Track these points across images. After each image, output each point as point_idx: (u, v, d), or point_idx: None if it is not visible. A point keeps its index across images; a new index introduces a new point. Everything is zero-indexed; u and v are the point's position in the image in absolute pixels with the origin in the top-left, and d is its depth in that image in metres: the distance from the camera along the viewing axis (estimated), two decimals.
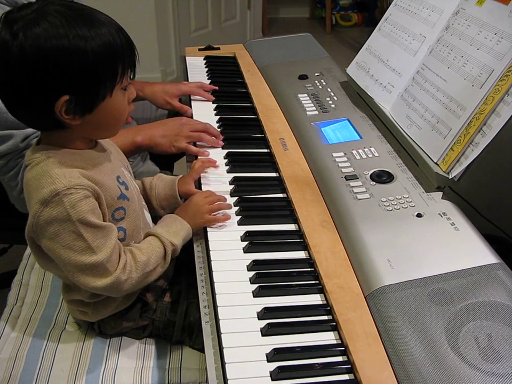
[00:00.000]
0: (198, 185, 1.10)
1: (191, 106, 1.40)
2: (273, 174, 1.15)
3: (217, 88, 1.47)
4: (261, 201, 1.07)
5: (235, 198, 1.05)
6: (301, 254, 0.93)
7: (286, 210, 1.02)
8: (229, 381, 0.71)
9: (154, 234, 0.92)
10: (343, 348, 0.76)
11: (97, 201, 0.83)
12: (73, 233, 0.79)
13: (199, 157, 1.17)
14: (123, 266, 0.84)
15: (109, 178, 0.87)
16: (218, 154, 1.20)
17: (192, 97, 1.44)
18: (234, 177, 1.12)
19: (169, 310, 0.98)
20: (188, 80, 1.56)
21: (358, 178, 1.03)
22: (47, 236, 0.80)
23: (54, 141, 0.83)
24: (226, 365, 0.73)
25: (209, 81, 1.55)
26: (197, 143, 1.22)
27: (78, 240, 0.80)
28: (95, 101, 0.80)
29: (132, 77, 0.84)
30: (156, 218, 1.06)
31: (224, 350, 0.75)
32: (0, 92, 0.78)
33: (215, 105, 1.41)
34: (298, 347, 0.76)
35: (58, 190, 0.78)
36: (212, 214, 0.98)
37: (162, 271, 0.92)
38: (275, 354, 0.74)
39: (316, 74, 1.47)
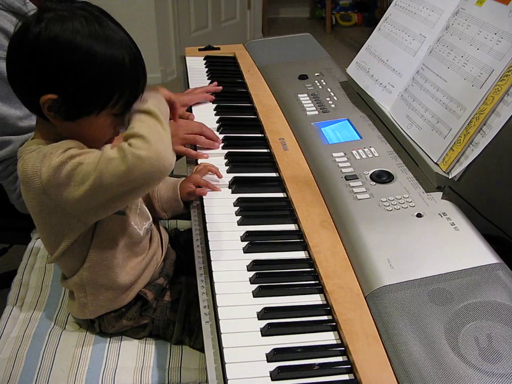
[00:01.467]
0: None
1: (191, 107, 1.40)
2: (273, 174, 1.15)
3: (221, 88, 1.45)
4: (261, 201, 1.07)
5: (235, 198, 1.05)
6: (301, 254, 0.93)
7: (286, 210, 1.02)
8: (229, 381, 0.71)
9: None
10: (343, 348, 0.76)
11: None
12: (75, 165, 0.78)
13: (199, 161, 1.17)
14: (119, 147, 0.79)
15: None
16: (218, 155, 1.20)
17: None
18: (234, 177, 1.12)
19: (169, 309, 0.98)
20: (188, 80, 1.56)
21: (358, 178, 1.03)
22: (72, 184, 0.78)
23: (45, 135, 0.85)
24: (226, 365, 0.73)
25: (209, 81, 1.55)
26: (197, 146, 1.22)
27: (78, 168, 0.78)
28: (80, 113, 0.81)
29: (127, 108, 0.83)
30: (157, 221, 1.06)
31: (224, 350, 0.75)
32: (8, 61, 0.80)
33: (215, 105, 1.41)
34: (298, 347, 0.76)
35: (45, 152, 0.79)
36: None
37: (167, 134, 0.83)
38: (275, 355, 0.74)
39: (316, 74, 1.47)
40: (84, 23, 0.77)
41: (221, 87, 1.45)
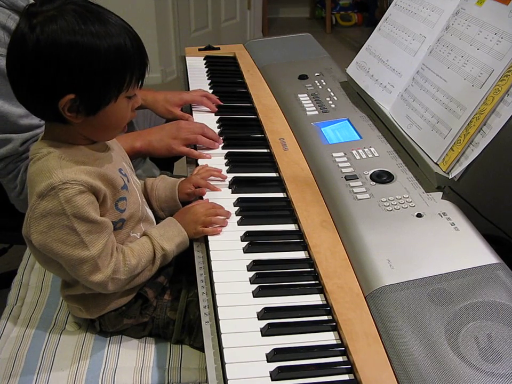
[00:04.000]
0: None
1: (191, 111, 1.39)
2: (273, 174, 1.15)
3: (221, 103, 1.41)
4: (261, 201, 1.07)
5: (235, 198, 1.05)
6: (301, 254, 0.93)
7: (286, 210, 1.02)
8: (229, 381, 0.71)
9: (148, 236, 0.94)
10: (343, 348, 0.76)
11: (95, 195, 0.84)
12: (66, 227, 0.81)
13: (200, 162, 1.17)
14: (114, 265, 0.86)
15: (112, 171, 0.89)
16: (218, 155, 1.21)
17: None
18: (234, 177, 1.12)
19: (169, 308, 0.98)
20: (188, 81, 1.56)
21: (358, 178, 1.03)
22: (39, 230, 0.81)
23: (56, 135, 0.85)
24: (226, 365, 0.73)
25: (209, 81, 1.55)
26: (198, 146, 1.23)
27: (71, 235, 0.81)
28: (100, 104, 0.81)
29: (139, 86, 0.86)
30: (157, 220, 1.06)
31: (224, 350, 0.75)
32: (11, 77, 0.80)
33: (215, 105, 1.41)
34: (298, 347, 0.76)
35: (54, 184, 0.79)
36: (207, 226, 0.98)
37: (150, 275, 0.94)
38: (275, 355, 0.74)
39: (316, 74, 1.47)
40: (77, 17, 0.76)
41: (218, 101, 1.41)
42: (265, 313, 0.81)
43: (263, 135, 1.28)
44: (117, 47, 0.79)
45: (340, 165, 1.07)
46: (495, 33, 0.97)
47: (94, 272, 0.84)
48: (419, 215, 0.92)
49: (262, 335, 0.78)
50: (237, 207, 1.03)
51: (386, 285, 0.79)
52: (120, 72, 0.80)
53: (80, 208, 0.80)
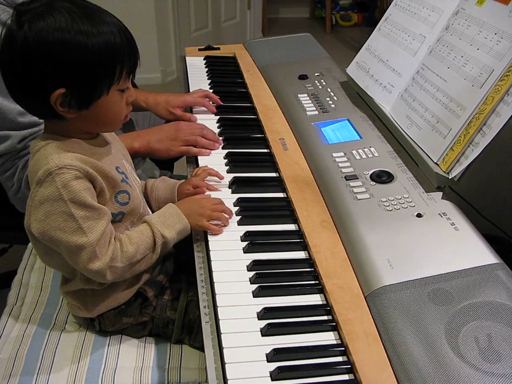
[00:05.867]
0: None
1: (192, 111, 1.39)
2: (273, 174, 1.15)
3: (222, 103, 1.41)
4: (261, 201, 1.07)
5: (235, 198, 1.05)
6: (301, 254, 0.93)
7: (286, 210, 1.02)
8: (229, 381, 0.71)
9: (148, 223, 0.93)
10: (343, 348, 0.76)
11: (92, 183, 0.84)
12: (64, 213, 0.81)
13: (200, 163, 1.17)
14: (111, 252, 0.86)
15: (109, 166, 0.89)
16: (218, 155, 1.21)
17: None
18: (234, 177, 1.12)
19: (169, 308, 0.98)
20: (188, 81, 1.56)
21: (358, 178, 1.03)
22: (37, 218, 0.82)
23: (55, 130, 0.86)
24: (226, 365, 0.73)
25: (209, 81, 1.55)
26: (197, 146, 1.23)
27: (68, 221, 0.81)
28: (91, 97, 0.82)
29: (131, 79, 0.86)
30: None
31: (224, 350, 0.75)
32: (4, 75, 0.81)
33: (215, 105, 1.41)
34: (298, 347, 0.76)
35: (51, 169, 0.80)
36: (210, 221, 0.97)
37: (150, 262, 0.93)
38: (275, 355, 0.74)
39: (316, 74, 1.47)
40: (65, 14, 0.77)
41: (218, 101, 1.41)
42: (265, 313, 0.81)
43: (263, 135, 1.28)
44: (106, 42, 0.79)
45: (340, 165, 1.07)
46: (495, 33, 0.97)
47: (92, 259, 0.84)
48: (419, 215, 0.92)
49: (262, 335, 0.78)
50: (237, 207, 1.03)
51: (386, 285, 0.79)
52: (109, 66, 0.81)
53: (76, 193, 0.80)
